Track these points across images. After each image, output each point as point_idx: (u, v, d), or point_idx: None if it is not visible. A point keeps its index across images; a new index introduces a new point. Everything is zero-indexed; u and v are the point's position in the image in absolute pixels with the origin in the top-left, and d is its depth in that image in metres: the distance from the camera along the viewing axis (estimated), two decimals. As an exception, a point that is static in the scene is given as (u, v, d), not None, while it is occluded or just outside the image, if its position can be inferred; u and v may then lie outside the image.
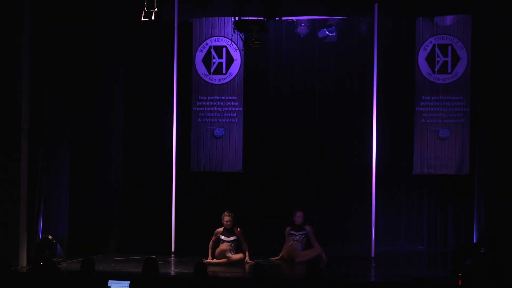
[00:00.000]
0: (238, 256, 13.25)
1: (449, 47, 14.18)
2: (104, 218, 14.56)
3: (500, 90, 13.05)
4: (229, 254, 13.23)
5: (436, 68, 14.22)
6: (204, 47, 14.80)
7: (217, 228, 13.40)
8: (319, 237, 13.94)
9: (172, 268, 12.88)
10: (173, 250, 13.87)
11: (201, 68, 14.80)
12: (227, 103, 14.73)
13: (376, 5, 13.64)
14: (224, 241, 13.28)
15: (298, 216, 13.56)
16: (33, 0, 12.86)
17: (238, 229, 13.34)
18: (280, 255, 13.59)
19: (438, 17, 14.15)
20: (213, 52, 14.78)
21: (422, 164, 14.23)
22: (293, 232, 13.57)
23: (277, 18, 13.63)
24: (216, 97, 14.76)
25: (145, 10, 13.05)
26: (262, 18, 13.35)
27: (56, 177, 13.54)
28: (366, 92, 14.15)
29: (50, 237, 12.76)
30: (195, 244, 13.96)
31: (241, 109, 14.71)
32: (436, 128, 14.17)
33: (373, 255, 13.56)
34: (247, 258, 13.22)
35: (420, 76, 14.24)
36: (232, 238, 13.30)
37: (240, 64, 14.71)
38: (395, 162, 14.63)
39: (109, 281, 9.86)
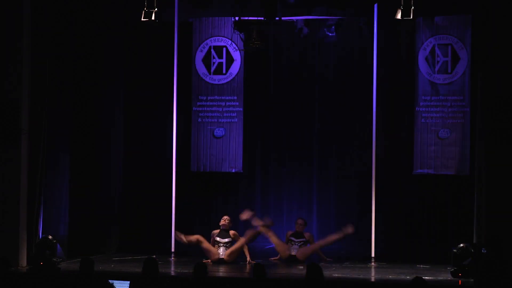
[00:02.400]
0: (232, 249, 13.30)
1: (449, 47, 14.18)
2: (104, 218, 14.57)
3: (500, 90, 13.04)
4: (222, 254, 13.27)
5: (436, 68, 14.21)
6: (204, 47, 14.80)
7: (214, 230, 13.50)
8: (319, 237, 13.97)
9: (172, 268, 12.88)
10: (173, 250, 13.87)
11: (201, 68, 14.81)
12: (227, 103, 14.73)
13: (376, 5, 13.64)
14: (219, 242, 13.32)
15: (299, 224, 13.79)
16: (33, 2, 12.86)
17: (233, 232, 13.39)
18: (279, 255, 13.64)
19: (438, 17, 14.14)
20: (213, 52, 14.78)
21: (422, 164, 14.23)
22: (292, 238, 13.74)
23: (277, 18, 13.62)
24: (216, 97, 14.76)
25: (145, 10, 13.06)
26: (262, 18, 13.35)
27: (56, 177, 13.55)
28: (366, 92, 14.14)
29: (50, 237, 12.75)
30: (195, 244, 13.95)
31: (241, 109, 14.72)
32: (436, 128, 14.17)
33: (373, 255, 13.57)
34: (248, 259, 13.23)
35: (420, 76, 14.23)
36: (226, 240, 13.34)
37: (240, 64, 14.71)
38: (395, 162, 14.62)
39: (109, 281, 9.85)
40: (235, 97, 14.72)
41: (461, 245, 12.25)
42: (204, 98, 14.80)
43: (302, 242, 13.67)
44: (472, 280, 11.50)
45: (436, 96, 14.18)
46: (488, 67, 13.16)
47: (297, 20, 14.67)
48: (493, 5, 12.98)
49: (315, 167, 15.12)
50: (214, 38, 14.79)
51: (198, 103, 14.81)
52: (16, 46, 12.69)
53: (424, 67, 14.21)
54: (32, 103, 12.86)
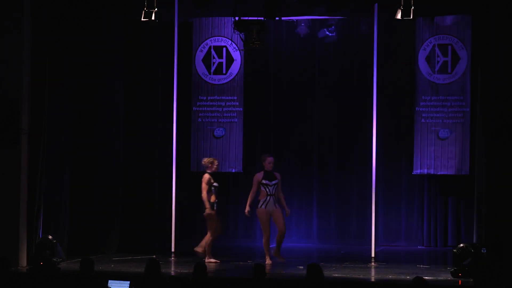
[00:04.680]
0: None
1: (449, 47, 14.19)
2: (104, 218, 14.57)
3: (500, 90, 13.04)
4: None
5: (436, 68, 14.23)
6: (204, 47, 14.81)
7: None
8: (320, 235, 13.96)
9: (172, 268, 12.88)
10: (173, 250, 13.87)
11: (201, 68, 14.81)
12: (227, 103, 14.74)
13: (376, 5, 13.64)
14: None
15: (269, 162, 12.98)
16: (33, 1, 12.85)
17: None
18: (248, 205, 13.29)
19: (438, 17, 14.15)
20: (213, 52, 14.79)
21: (422, 164, 14.24)
22: (266, 181, 13.01)
23: (277, 18, 13.61)
24: (216, 97, 14.77)
25: (145, 10, 13.05)
26: (262, 18, 13.35)
27: (56, 177, 13.55)
28: (366, 92, 14.14)
29: (50, 237, 12.74)
30: (195, 244, 13.95)
31: (241, 109, 14.73)
32: (436, 128, 14.18)
33: (373, 255, 13.57)
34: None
35: (420, 76, 14.25)
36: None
37: (240, 64, 14.72)
38: (395, 162, 14.62)
39: (109, 281, 9.85)
40: (235, 97, 14.73)
41: (461, 245, 12.24)
42: (204, 98, 14.81)
43: (275, 185, 12.97)
44: (472, 280, 11.50)
45: (436, 96, 14.19)
46: (488, 67, 13.16)
47: (297, 20, 14.67)
48: (493, 5, 12.98)
49: (315, 167, 15.12)
50: (214, 38, 14.80)
51: (198, 103, 14.82)
52: (16, 45, 12.69)
53: (424, 67, 14.22)
54: (32, 103, 12.86)
